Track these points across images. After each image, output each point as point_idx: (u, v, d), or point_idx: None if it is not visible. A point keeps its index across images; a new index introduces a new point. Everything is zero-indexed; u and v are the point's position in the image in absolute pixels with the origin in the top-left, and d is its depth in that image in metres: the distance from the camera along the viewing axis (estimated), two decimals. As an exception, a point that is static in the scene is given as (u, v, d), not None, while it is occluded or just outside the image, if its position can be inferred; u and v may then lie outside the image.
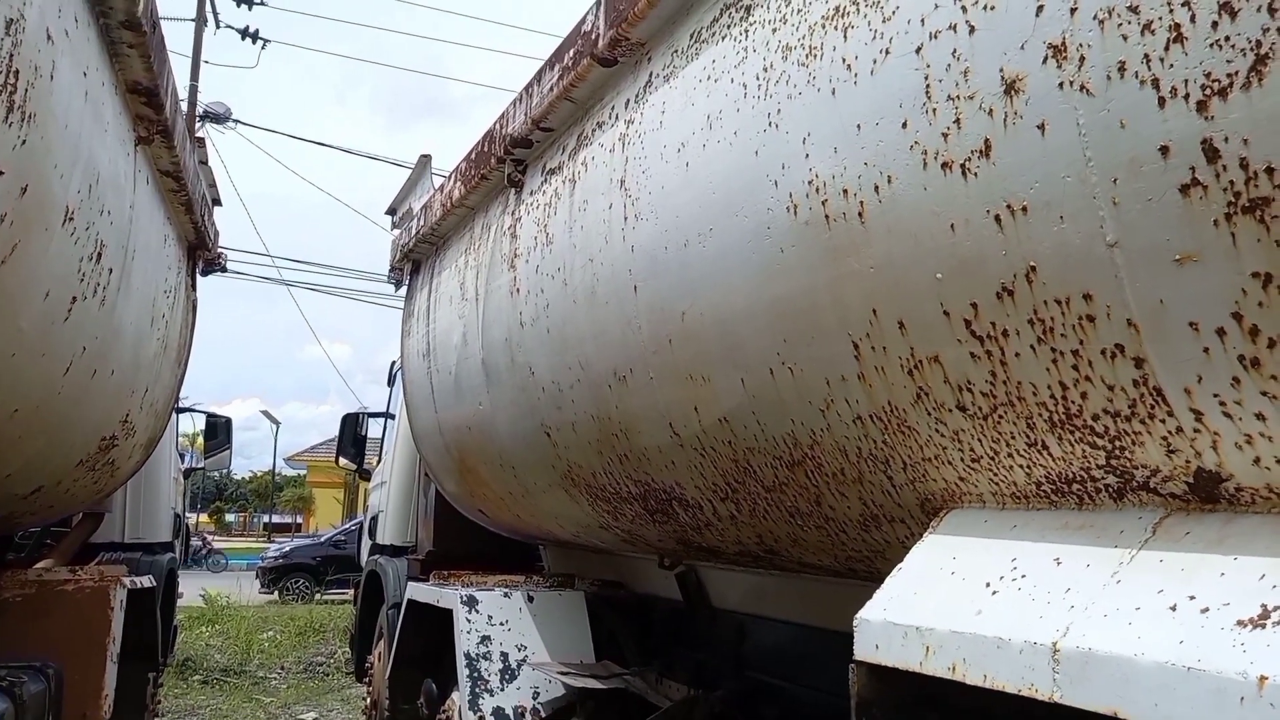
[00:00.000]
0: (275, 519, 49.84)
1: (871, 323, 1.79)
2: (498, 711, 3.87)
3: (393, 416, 7.30)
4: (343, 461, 7.68)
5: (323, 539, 19.72)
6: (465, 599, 4.16)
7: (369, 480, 7.69)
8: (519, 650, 4.08)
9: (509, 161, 3.59)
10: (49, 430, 3.02)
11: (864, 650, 1.66)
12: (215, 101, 14.81)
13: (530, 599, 4.26)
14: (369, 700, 5.93)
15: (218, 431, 7.73)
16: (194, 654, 9.84)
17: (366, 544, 7.11)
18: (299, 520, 48.72)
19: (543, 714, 3.91)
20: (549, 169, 3.32)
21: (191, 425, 7.77)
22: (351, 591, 8.13)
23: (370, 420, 7.62)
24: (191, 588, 13.38)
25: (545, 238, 3.23)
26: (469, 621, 4.10)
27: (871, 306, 1.78)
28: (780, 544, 2.54)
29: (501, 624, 4.14)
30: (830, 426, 2.01)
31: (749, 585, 3.57)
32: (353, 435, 7.56)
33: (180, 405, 7.30)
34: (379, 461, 7.44)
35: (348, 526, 20.18)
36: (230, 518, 61.05)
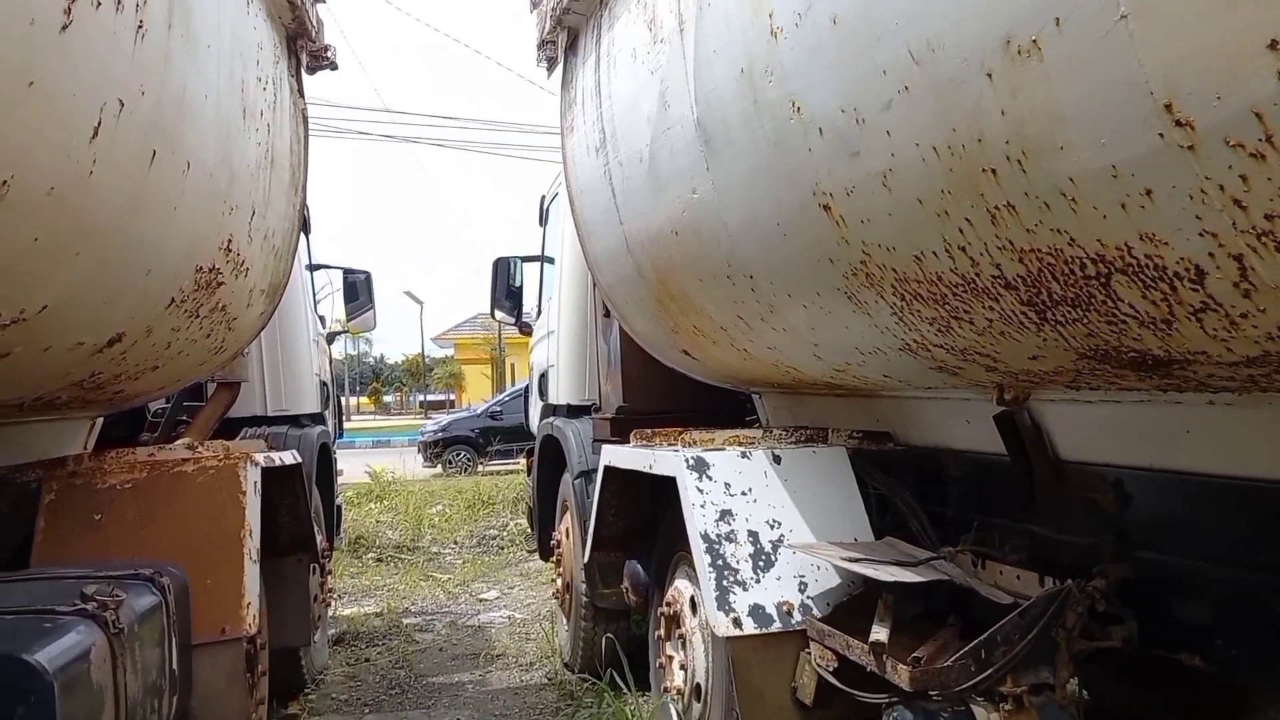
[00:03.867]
0: (429, 397, 51.57)
1: None
2: (756, 611, 2.81)
3: (550, 260, 6.22)
4: (499, 315, 6.73)
5: (479, 411, 19.52)
6: (693, 462, 3.08)
7: (529, 334, 6.73)
8: (771, 528, 3.00)
9: None
10: (94, 238, 2.00)
11: None
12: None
13: (776, 459, 3.14)
14: (560, 583, 5.09)
15: (358, 290, 6.88)
16: (365, 532, 9.47)
17: (536, 406, 6.18)
18: (452, 397, 50.22)
19: (817, 613, 2.83)
20: None
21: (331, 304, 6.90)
22: (523, 461, 7.33)
23: (526, 267, 6.59)
24: (354, 465, 13.21)
25: None
26: (702, 492, 3.02)
27: None
28: None
29: (743, 494, 3.05)
30: None
31: (1138, 423, 2.30)
32: (506, 283, 6.57)
33: (315, 263, 6.46)
34: (539, 313, 6.43)
35: (502, 397, 19.88)
36: (388, 398, 63.80)
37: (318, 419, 5.60)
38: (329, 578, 5.47)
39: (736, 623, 2.79)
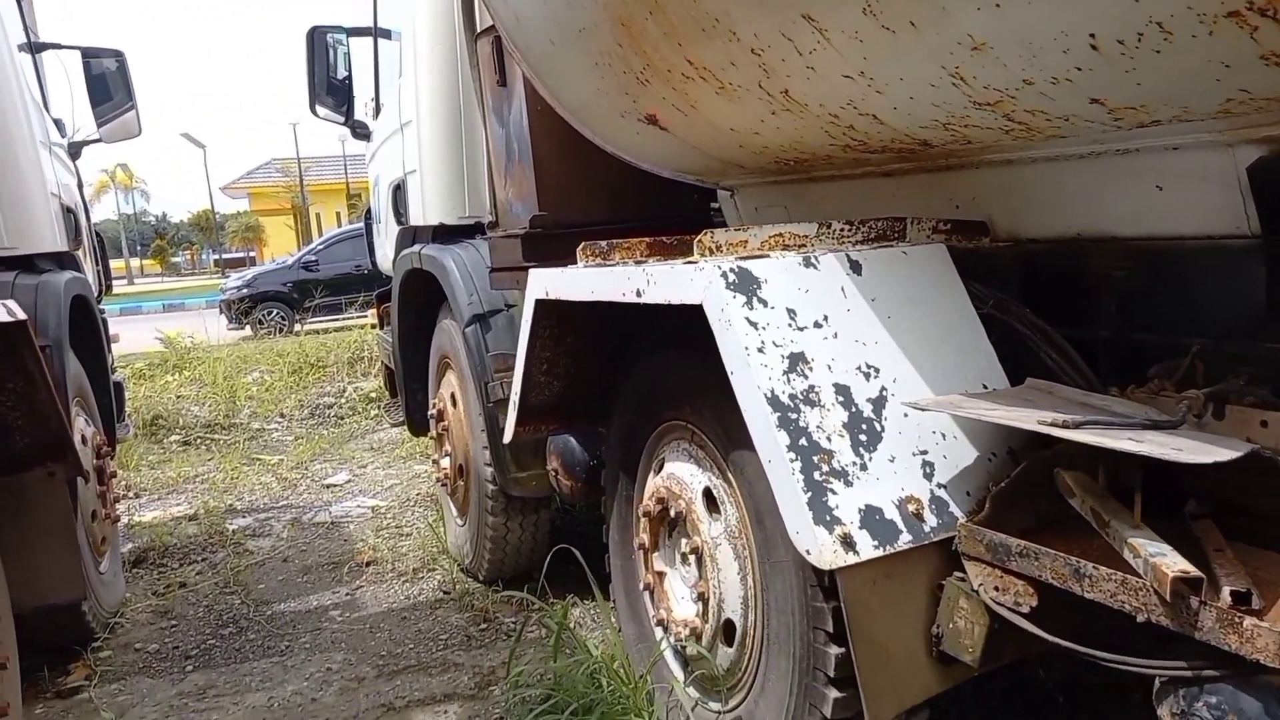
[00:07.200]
0: (225, 256, 46.90)
1: None
2: (871, 517, 1.67)
3: (387, 34, 4.56)
4: (321, 112, 4.99)
5: (290, 263, 17.13)
6: (735, 278, 1.82)
7: (366, 138, 5.08)
8: (866, 378, 1.82)
9: None
10: None
11: None
12: None
13: (855, 267, 1.94)
14: (449, 465, 3.80)
15: (109, 83, 4.82)
16: (164, 411, 7.68)
17: (388, 234, 4.64)
18: (251, 254, 45.84)
19: (958, 511, 1.73)
20: None
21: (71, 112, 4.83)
22: (372, 311, 5.79)
23: (350, 42, 4.83)
24: (143, 333, 11.08)
25: None
26: (756, 327, 1.78)
27: None
28: None
29: (816, 325, 1.84)
30: None
31: None
32: (326, 70, 4.82)
33: (37, 41, 4.47)
34: (378, 109, 4.79)
35: (316, 245, 17.55)
36: (176, 259, 57.99)
37: (66, 262, 3.88)
38: (113, 483, 3.95)
39: (847, 542, 1.63)
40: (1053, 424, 1.52)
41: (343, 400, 8.04)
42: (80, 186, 4.58)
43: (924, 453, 1.78)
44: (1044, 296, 2.17)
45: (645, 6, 2.10)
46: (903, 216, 2.18)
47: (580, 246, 2.48)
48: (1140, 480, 1.54)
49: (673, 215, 3.19)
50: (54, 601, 2.77)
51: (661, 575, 2.38)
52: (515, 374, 2.66)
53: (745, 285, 1.82)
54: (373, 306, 5.43)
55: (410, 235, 4.19)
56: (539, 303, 2.50)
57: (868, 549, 1.64)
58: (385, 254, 4.81)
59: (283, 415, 7.88)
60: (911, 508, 1.71)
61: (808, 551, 1.64)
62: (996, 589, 1.61)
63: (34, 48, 4.31)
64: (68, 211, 4.01)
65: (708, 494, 2.16)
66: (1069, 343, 2.06)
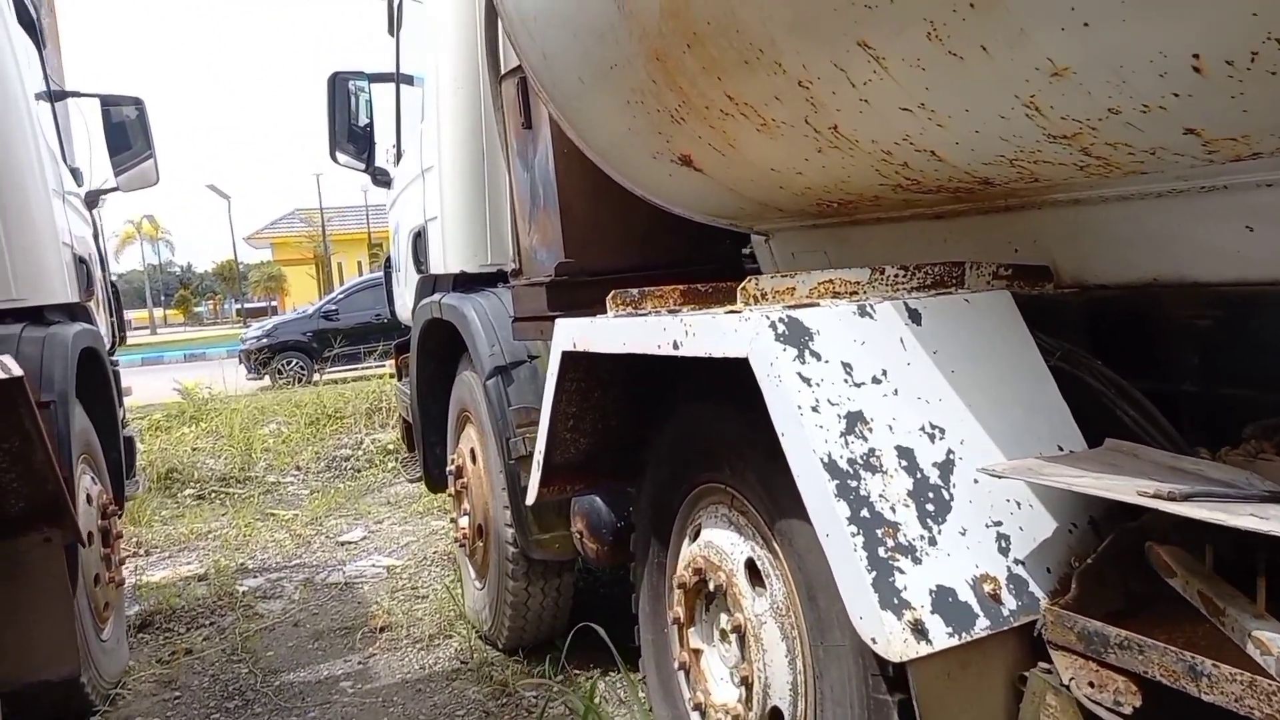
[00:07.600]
0: (248, 305, 47.33)
1: None
2: (943, 600, 1.48)
3: (409, 79, 4.49)
4: (342, 159, 4.91)
5: (310, 312, 17.14)
6: (785, 329, 1.65)
7: (386, 185, 4.99)
8: (931, 439, 1.64)
9: None
10: None
11: None
12: None
13: (914, 316, 1.77)
14: (469, 525, 3.61)
15: (128, 132, 4.78)
16: (179, 463, 7.56)
17: (408, 283, 4.51)
18: (273, 303, 46.23)
19: (1038, 591, 1.53)
20: None
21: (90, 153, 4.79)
22: (390, 362, 5.66)
23: (372, 89, 4.77)
24: (163, 383, 11.03)
25: None
26: (809, 384, 1.61)
27: None
28: None
29: (875, 381, 1.67)
30: None
31: None
32: (347, 116, 4.75)
33: (57, 89, 4.43)
34: (399, 155, 4.70)
35: (336, 295, 17.58)
36: (199, 309, 58.67)
37: (78, 313, 3.77)
38: (119, 544, 3.79)
39: (918, 629, 1.43)
40: (1155, 495, 1.33)
41: (360, 452, 7.89)
42: (97, 236, 4.50)
43: (998, 524, 1.59)
44: (1115, 348, 1.99)
45: (683, 39, 1.97)
46: (960, 261, 2.01)
47: (610, 295, 2.33)
48: (1265, 563, 1.33)
49: (704, 261, 3.05)
50: (47, 677, 2.59)
51: (698, 653, 2.18)
52: (540, 429, 2.49)
53: (796, 337, 1.65)
54: (391, 356, 5.30)
55: (430, 284, 4.07)
56: (566, 355, 2.34)
57: (941, 637, 1.44)
58: (404, 303, 4.69)
59: (299, 468, 7.73)
60: (988, 588, 1.51)
61: (874, 640, 1.45)
62: (1092, 684, 1.40)
63: (53, 95, 4.26)
64: (80, 262, 3.91)
65: (750, 566, 1.97)
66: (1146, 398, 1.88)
